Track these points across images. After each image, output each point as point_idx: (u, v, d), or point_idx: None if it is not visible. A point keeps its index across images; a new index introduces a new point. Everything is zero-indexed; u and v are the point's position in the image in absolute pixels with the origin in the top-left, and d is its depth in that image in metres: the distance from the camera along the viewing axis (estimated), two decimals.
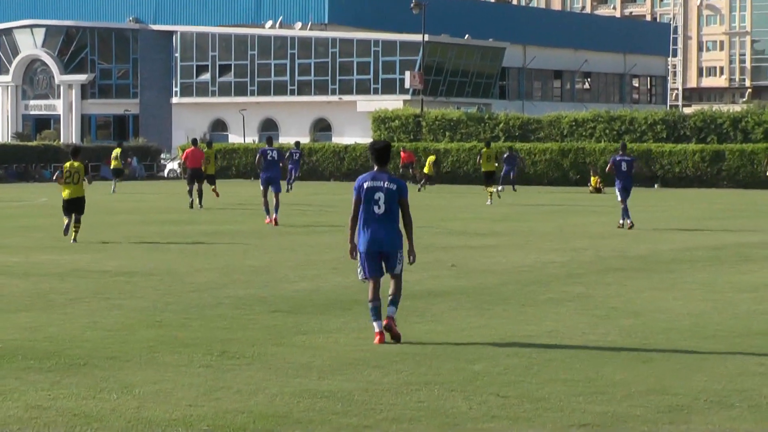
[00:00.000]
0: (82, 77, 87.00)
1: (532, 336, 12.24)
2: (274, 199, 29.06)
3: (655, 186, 54.10)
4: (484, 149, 42.41)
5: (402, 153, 54.80)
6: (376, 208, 11.85)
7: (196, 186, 35.31)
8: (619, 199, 27.66)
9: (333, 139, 75.86)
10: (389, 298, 11.93)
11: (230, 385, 9.66)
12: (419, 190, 47.55)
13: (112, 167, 50.34)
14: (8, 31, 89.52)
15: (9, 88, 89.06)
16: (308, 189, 51.25)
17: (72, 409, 8.80)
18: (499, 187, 45.14)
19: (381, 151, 12.02)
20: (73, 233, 23.80)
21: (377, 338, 11.80)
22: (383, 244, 11.86)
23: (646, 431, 8.29)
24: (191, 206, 34.96)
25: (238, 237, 25.18)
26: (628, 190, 27.62)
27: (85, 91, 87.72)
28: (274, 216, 28.66)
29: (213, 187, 37.17)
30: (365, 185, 11.90)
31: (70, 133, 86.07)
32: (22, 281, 16.92)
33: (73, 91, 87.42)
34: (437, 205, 38.52)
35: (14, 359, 10.74)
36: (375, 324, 11.87)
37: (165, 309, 14.17)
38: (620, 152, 28.14)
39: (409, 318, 13.48)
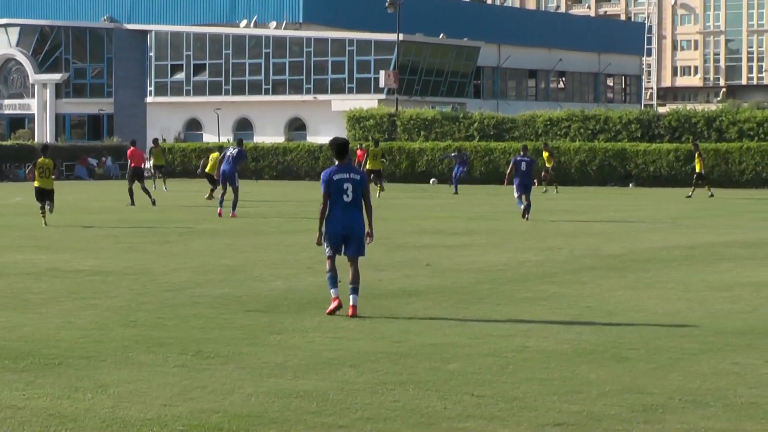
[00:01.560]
0: (56, 76, 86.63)
1: (507, 335, 12.26)
2: (234, 196, 31.23)
3: (630, 185, 54.28)
4: (372, 148, 44.67)
5: (358, 151, 53.94)
6: (345, 197, 13.34)
7: (137, 184, 36.47)
8: (516, 195, 30.12)
9: (308, 138, 75.78)
10: (350, 286, 13.34)
11: (205, 384, 9.64)
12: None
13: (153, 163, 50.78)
14: None
15: None
16: (284, 188, 51.19)
17: (47, 409, 8.77)
18: (432, 180, 46.09)
19: (341, 147, 13.52)
20: (43, 218, 27.63)
21: (334, 304, 13.29)
22: (349, 227, 13.38)
23: (620, 430, 8.31)
24: (132, 204, 35.96)
25: (213, 236, 25.13)
26: (528, 187, 30.07)
27: (60, 91, 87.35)
28: (231, 213, 30.90)
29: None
30: (334, 177, 13.37)
31: (44, 133, 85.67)
32: None
33: (48, 90, 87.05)
34: (411, 205, 38.55)
35: None
36: (332, 291, 13.38)
37: (139, 308, 14.13)
38: (521, 153, 30.63)
39: (384, 317, 13.49)
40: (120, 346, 11.47)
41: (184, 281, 16.88)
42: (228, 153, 32.11)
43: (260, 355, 11.05)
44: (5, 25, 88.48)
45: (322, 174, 13.53)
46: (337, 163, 13.51)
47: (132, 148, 38.33)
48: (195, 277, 17.43)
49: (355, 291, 13.30)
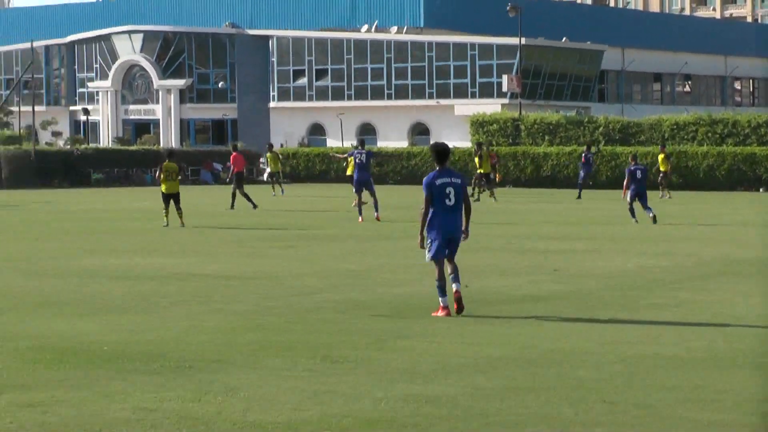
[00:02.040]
0: (180, 82, 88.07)
1: (636, 342, 12.10)
2: (372, 199, 31.15)
3: (761, 190, 53.22)
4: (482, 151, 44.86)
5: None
6: (447, 201, 13.83)
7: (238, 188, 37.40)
8: (629, 203, 30.87)
9: (431, 142, 75.76)
10: (451, 276, 13.85)
11: (334, 389, 9.69)
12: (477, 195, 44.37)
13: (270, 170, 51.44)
14: (107, 37, 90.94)
15: (109, 93, 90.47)
16: (408, 193, 51.35)
17: (178, 412, 8.89)
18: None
19: (442, 152, 14.12)
20: (180, 220, 29.13)
21: (443, 312, 13.69)
22: (452, 231, 13.87)
23: None
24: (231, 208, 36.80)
25: (336, 241, 25.27)
26: (643, 194, 30.62)
27: (184, 96, 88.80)
28: (375, 214, 31.11)
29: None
30: (436, 182, 13.88)
31: (169, 138, 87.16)
32: (124, 284, 17.16)
33: (172, 95, 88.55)
34: (535, 210, 38.33)
35: (119, 361, 10.89)
36: (441, 300, 13.82)
37: (266, 313, 14.26)
38: (633, 162, 31.40)
39: (511, 322, 13.42)
40: (248, 350, 11.59)
41: (309, 286, 17.00)
42: (357, 158, 31.70)
43: (388, 360, 11.07)
44: (129, 32, 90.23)
45: (425, 179, 14.00)
46: (438, 168, 14.01)
47: (234, 153, 39.06)
48: (320, 281, 17.54)
49: (456, 279, 13.82)
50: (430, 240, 13.89)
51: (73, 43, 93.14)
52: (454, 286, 13.80)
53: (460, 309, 13.74)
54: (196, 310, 14.46)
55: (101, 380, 9.99)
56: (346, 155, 38.05)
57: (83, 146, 70.19)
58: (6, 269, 19.41)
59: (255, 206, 36.60)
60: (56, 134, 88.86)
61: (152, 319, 13.75)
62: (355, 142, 45.44)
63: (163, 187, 29.78)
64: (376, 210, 31.18)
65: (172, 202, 29.58)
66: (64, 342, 11.93)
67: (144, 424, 8.51)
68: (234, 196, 37.31)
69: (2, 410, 8.76)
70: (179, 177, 30.07)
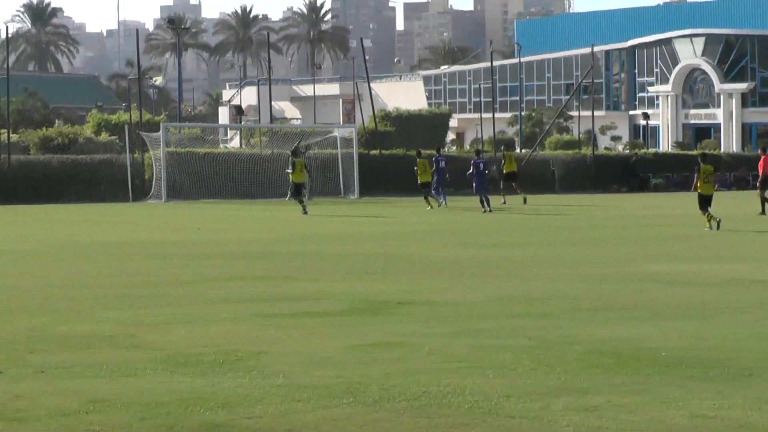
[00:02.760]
0: (742, 86, 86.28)
1: None
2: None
3: None
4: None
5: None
6: None
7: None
8: None
9: None
10: None
11: None
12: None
13: None
14: (668, 41, 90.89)
15: (669, 97, 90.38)
16: None
17: (737, 420, 8.66)
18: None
19: None
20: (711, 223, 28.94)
21: None
22: None
23: None
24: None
25: None
26: None
27: (746, 100, 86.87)
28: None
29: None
30: None
31: (729, 142, 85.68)
32: (683, 290, 17.00)
33: (733, 99, 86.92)
34: None
35: (679, 367, 10.78)
36: None
37: None
38: None
39: None
40: None
41: None
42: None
43: None
44: (691, 36, 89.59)
45: None
46: None
47: (764, 156, 37.44)
48: None
49: None
50: None
51: (633, 47, 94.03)
52: None
53: None
54: (758, 317, 14.06)
55: (658, 386, 9.94)
56: None
57: (641, 151, 70.53)
58: (566, 275, 19.85)
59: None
60: (615, 139, 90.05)
61: (712, 325, 13.53)
62: None
63: (700, 189, 29.90)
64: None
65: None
66: (622, 346, 11.99)
67: (701, 431, 8.38)
68: (763, 201, 36.22)
69: (559, 413, 8.94)
70: (715, 181, 30.28)
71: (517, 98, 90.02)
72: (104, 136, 57.73)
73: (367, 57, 69.37)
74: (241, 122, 78.62)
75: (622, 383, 10.10)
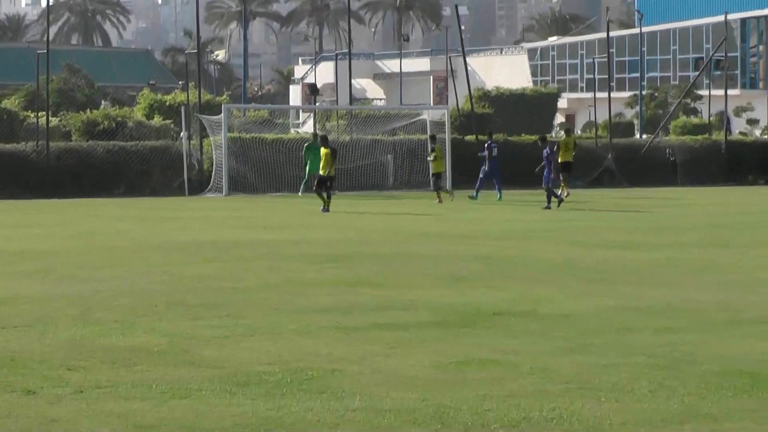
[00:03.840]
0: None
1: None
2: None
3: None
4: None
5: None
6: None
7: None
8: None
9: None
10: None
11: None
12: None
13: None
14: None
15: None
16: None
17: None
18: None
19: None
20: None
21: None
22: None
23: None
24: None
25: None
26: None
27: None
28: None
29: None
30: None
31: None
32: None
33: None
34: None
35: None
36: None
37: None
38: None
39: None
40: None
41: None
42: None
43: None
44: None
45: None
46: None
47: None
48: None
49: None
50: None
51: None
52: None
53: None
54: None
55: None
56: None
57: None
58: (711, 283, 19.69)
59: None
60: (752, 122, 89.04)
61: None
62: None
63: None
64: None
65: None
66: (757, 366, 11.85)
67: None
68: None
69: None
70: None
71: (638, 75, 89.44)
72: (157, 120, 58.29)
73: (462, 27, 69.39)
74: (315, 103, 78.95)
75: (758, 408, 9.99)
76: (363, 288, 18.28)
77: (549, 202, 39.02)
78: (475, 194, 45.49)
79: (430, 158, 45.13)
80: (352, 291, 17.93)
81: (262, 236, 29.05)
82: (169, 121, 57.72)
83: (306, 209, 39.90)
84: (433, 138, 46.30)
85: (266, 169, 51.24)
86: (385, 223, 33.93)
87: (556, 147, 44.50)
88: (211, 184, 50.87)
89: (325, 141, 40.46)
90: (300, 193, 48.16)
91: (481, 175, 46.06)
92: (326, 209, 38.05)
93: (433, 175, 45.99)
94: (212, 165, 51.51)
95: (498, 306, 16.17)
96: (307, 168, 46.80)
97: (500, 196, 45.07)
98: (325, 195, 38.66)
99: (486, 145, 46.30)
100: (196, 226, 32.87)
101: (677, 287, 18.36)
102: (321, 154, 39.88)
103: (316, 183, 40.01)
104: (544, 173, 40.15)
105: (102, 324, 14.71)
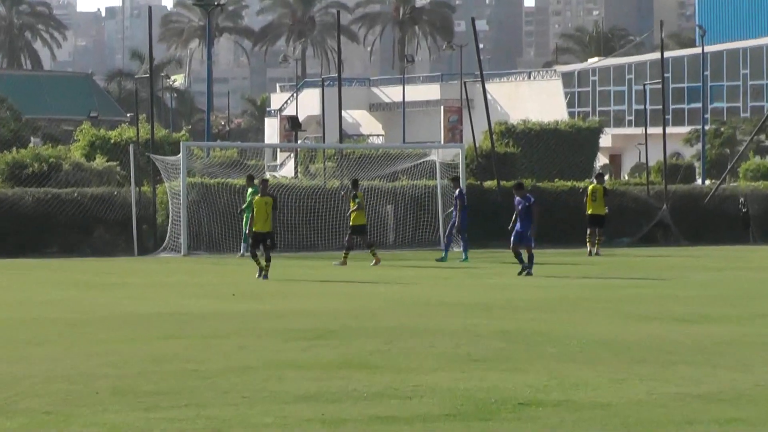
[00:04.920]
0: None
1: None
2: None
3: None
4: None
5: None
6: None
7: None
8: None
9: None
10: None
11: None
12: None
13: None
14: None
15: None
16: None
17: None
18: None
19: None
20: None
21: None
22: None
23: None
24: None
25: None
26: None
27: None
28: None
29: None
30: None
31: None
32: None
33: None
34: None
35: None
36: None
37: None
38: None
39: None
40: None
41: None
42: None
43: None
44: None
45: None
46: None
47: None
48: None
49: None
50: None
51: None
52: None
53: None
54: None
55: None
56: None
57: None
58: None
59: None
60: None
61: None
62: None
63: None
64: None
65: None
66: None
67: None
68: None
69: None
70: None
71: (699, 106, 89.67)
72: (100, 161, 58.30)
73: (481, 46, 69.63)
74: (297, 140, 79.21)
75: None
76: (356, 371, 18.29)
77: (522, 262, 38.34)
78: (444, 255, 45.56)
79: (353, 207, 43.97)
80: (343, 375, 17.94)
81: (231, 307, 29.05)
82: (115, 162, 57.74)
83: (288, 272, 39.92)
84: (355, 183, 45.66)
85: (235, 222, 51.23)
86: (385, 290, 33.93)
87: (585, 197, 44.89)
88: (166, 241, 50.91)
89: (264, 186, 39.25)
90: (242, 254, 47.34)
91: (449, 230, 46.25)
92: (265, 276, 37.37)
93: (353, 228, 44.38)
94: (168, 218, 51.57)
95: (524, 393, 16.19)
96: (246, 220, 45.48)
97: (466, 256, 45.33)
98: (263, 258, 37.82)
99: (457, 193, 46.18)
100: (149, 295, 32.87)
101: (748, 370, 18.39)
102: (256, 203, 38.55)
103: (250, 242, 39.27)
104: (517, 229, 38.93)
105: (30, 415, 14.72)
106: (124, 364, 19.12)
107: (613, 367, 18.59)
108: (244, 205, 47.39)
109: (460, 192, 46.47)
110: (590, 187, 47.92)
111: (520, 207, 38.65)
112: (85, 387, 16.80)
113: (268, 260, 37.79)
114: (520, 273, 37.93)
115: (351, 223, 44.12)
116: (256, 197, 38.81)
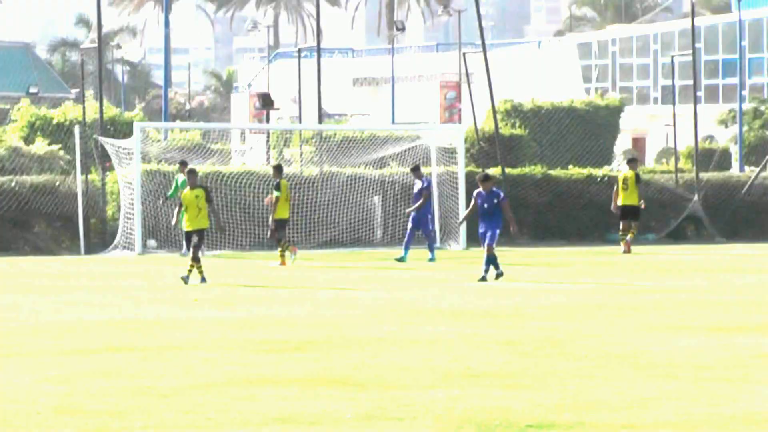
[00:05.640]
0: None
1: None
2: None
3: None
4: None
5: None
6: None
7: None
8: None
9: None
10: None
11: None
12: None
13: None
14: None
15: None
16: None
17: None
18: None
19: None
20: None
21: None
22: None
23: None
24: None
25: None
26: None
27: None
28: None
29: None
30: None
31: None
32: None
33: None
34: None
35: None
36: None
37: None
38: None
39: None
40: None
41: None
42: None
43: None
44: None
45: None
46: None
47: None
48: None
49: None
50: None
51: None
52: None
53: None
54: None
55: None
56: None
57: None
58: None
59: None
60: None
61: None
62: None
63: None
64: None
65: None
66: None
67: None
68: None
69: None
70: None
71: (736, 81, 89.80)
72: (41, 145, 58.27)
73: (484, 12, 69.60)
74: (268, 121, 79.17)
75: None
76: (339, 388, 18.33)
77: (487, 267, 38.06)
78: (404, 254, 45.40)
79: (272, 196, 43.26)
80: (324, 392, 17.99)
81: (194, 314, 29.10)
82: (57, 146, 57.71)
83: (260, 275, 39.95)
84: (278, 169, 45.44)
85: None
86: (371, 295, 33.98)
87: (616, 185, 44.85)
88: (117, 238, 50.89)
89: (193, 176, 38.84)
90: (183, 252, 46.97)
91: (410, 225, 46.10)
92: (203, 279, 37.05)
93: (275, 221, 44.00)
94: (119, 211, 51.54)
95: (532, 414, 16.24)
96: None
97: (433, 256, 45.77)
98: (193, 257, 37.48)
99: (426, 184, 46.12)
100: (97, 300, 32.90)
101: None
102: (184, 197, 38.23)
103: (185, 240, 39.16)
104: (482, 231, 38.51)
105: None
106: (69, 379, 19.14)
107: (636, 385, 18.65)
108: (169, 193, 47.42)
109: (429, 182, 46.39)
110: (621, 175, 47.85)
111: (486, 205, 38.02)
112: (23, 407, 16.82)
113: (196, 260, 37.29)
114: (481, 279, 37.52)
115: (275, 217, 43.24)
116: (186, 191, 38.31)
